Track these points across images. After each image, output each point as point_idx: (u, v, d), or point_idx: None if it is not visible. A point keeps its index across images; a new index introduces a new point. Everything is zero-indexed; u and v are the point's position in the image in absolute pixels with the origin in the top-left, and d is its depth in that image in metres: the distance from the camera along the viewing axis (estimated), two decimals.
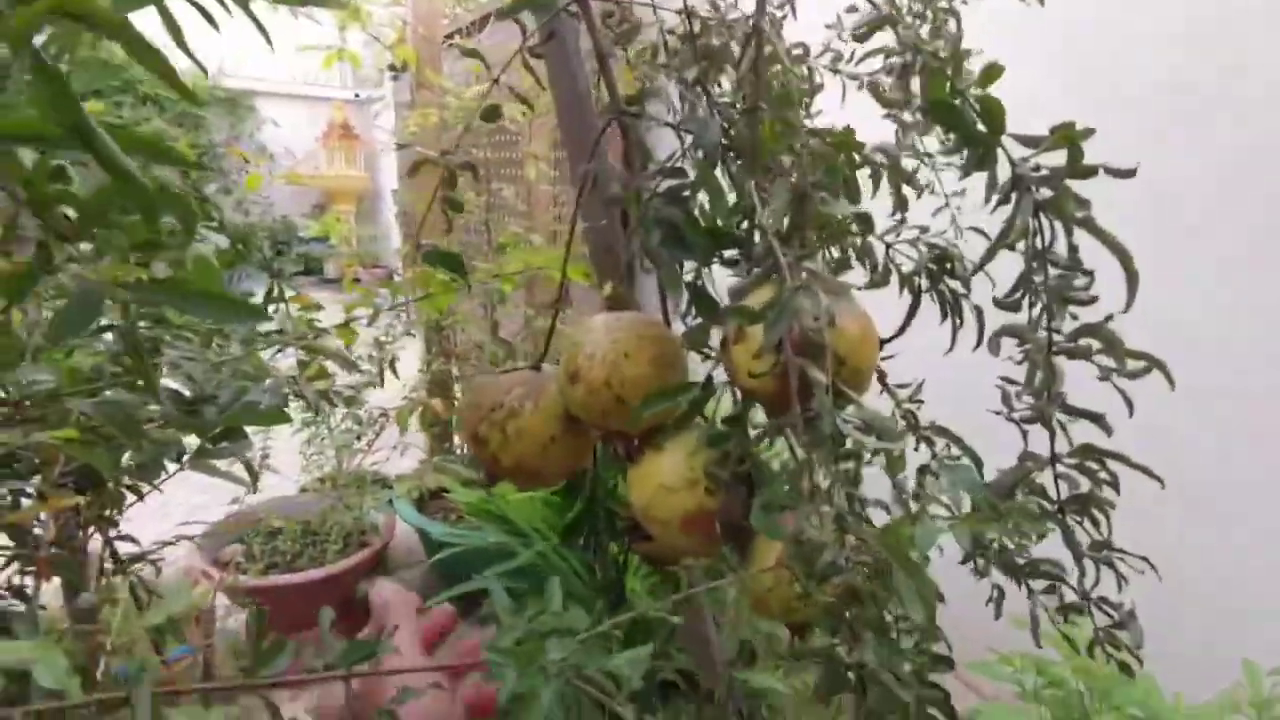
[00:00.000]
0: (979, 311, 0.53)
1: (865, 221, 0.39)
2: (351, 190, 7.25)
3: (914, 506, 0.36)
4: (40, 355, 0.43)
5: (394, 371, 1.07)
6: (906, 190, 0.45)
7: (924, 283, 0.50)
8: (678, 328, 0.45)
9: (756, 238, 0.42)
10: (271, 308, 0.87)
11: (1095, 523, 0.41)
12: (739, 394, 0.39)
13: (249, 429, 0.66)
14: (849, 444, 0.32)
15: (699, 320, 0.41)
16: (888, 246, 0.48)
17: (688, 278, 0.42)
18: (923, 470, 0.46)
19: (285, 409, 0.71)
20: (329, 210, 6.72)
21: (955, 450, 0.45)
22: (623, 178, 0.44)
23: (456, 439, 2.93)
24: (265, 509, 2.44)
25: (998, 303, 0.46)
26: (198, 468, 0.67)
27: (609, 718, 0.33)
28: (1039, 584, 0.46)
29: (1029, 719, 1.25)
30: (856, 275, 0.43)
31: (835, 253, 0.44)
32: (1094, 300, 0.36)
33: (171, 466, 0.66)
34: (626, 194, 0.42)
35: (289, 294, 0.88)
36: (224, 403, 0.64)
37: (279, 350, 0.82)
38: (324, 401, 0.83)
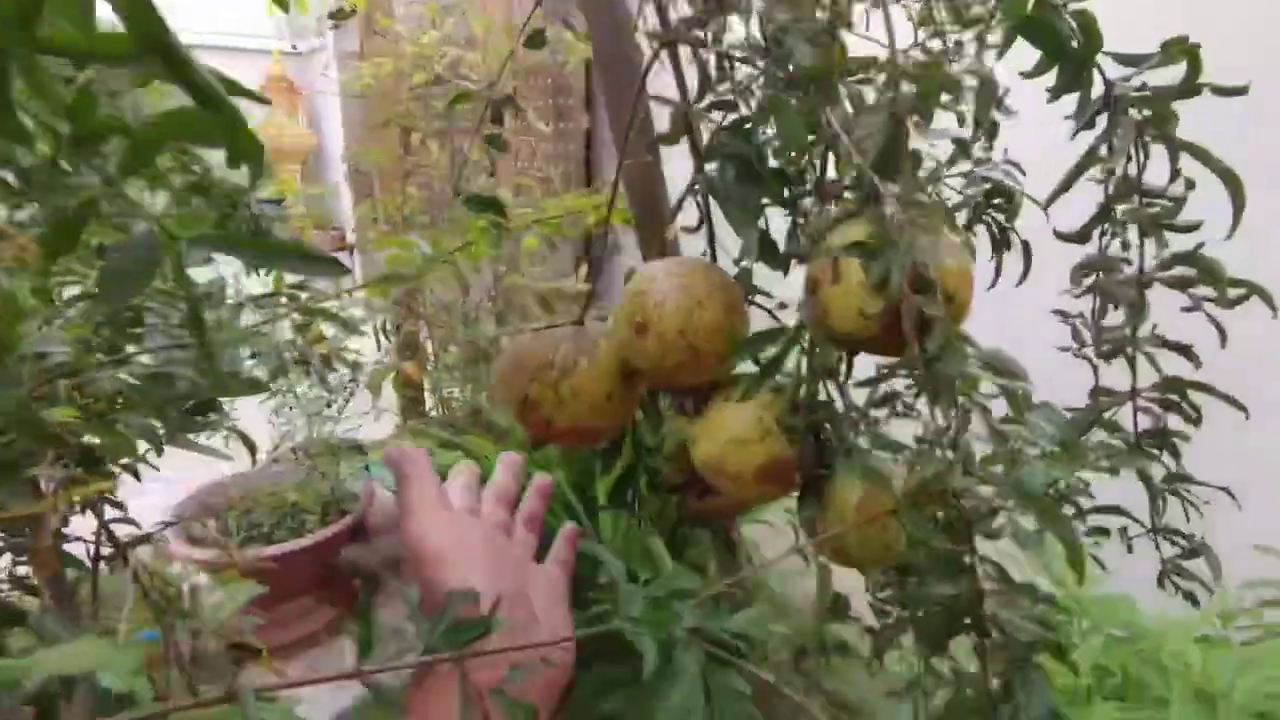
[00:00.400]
0: (1026, 246, 0.51)
1: (962, 148, 0.36)
2: (297, 149, 6.90)
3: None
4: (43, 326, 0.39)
5: (386, 336, 1.03)
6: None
7: (969, 215, 0.48)
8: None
9: (830, 174, 0.39)
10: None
11: (1176, 455, 0.40)
12: (812, 342, 0.37)
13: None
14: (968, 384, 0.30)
15: (761, 261, 0.38)
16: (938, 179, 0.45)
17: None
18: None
19: (267, 378, 0.68)
20: (274, 170, 6.41)
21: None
22: (679, 110, 0.40)
23: (429, 401, 2.88)
24: (238, 482, 2.37)
25: (1061, 236, 0.44)
26: (179, 444, 0.63)
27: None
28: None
29: None
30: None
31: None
32: (1196, 226, 0.35)
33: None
34: (674, 129, 0.39)
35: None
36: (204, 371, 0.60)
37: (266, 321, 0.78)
38: (330, 366, 0.79)
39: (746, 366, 0.43)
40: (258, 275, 0.84)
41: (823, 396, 0.42)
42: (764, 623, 0.32)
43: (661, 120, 0.45)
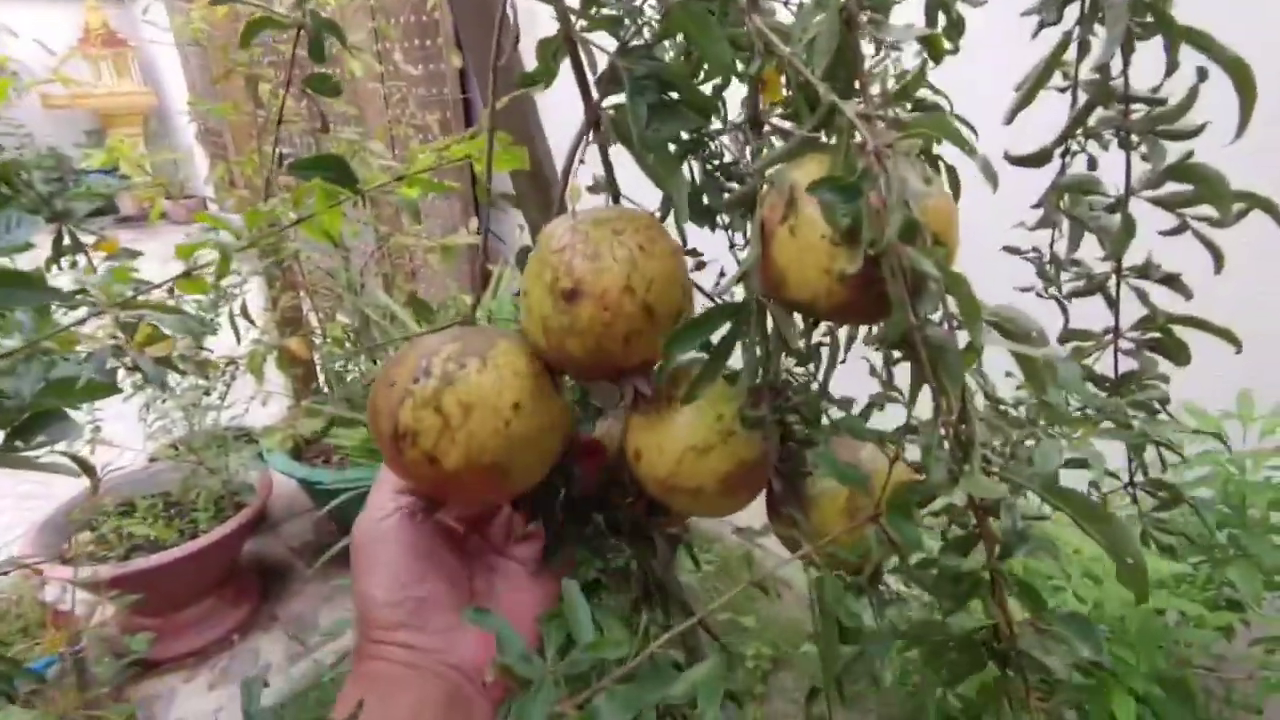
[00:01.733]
0: (952, 171, 0.46)
1: (934, 45, 0.29)
2: (133, 109, 6.16)
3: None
4: None
5: (248, 319, 0.89)
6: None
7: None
8: None
9: (763, 100, 0.31)
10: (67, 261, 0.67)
11: (1164, 400, 0.36)
12: (763, 314, 0.29)
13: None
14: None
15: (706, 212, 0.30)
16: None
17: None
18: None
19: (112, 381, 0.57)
20: (109, 135, 5.72)
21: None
22: (554, 37, 0.31)
23: (322, 378, 2.68)
24: (111, 489, 2.15)
25: (1016, 159, 0.38)
26: (10, 464, 0.52)
27: None
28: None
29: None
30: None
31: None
32: (1200, 130, 0.29)
33: None
34: (542, 62, 0.30)
35: (88, 240, 0.68)
36: (29, 383, 0.50)
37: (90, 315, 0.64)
38: (170, 370, 0.66)
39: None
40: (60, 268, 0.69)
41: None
42: (716, 684, 0.26)
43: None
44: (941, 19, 0.33)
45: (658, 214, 0.34)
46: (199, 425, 2.25)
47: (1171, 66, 0.29)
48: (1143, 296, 0.33)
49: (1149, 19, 0.29)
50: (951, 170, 0.46)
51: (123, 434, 2.09)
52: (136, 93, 6.15)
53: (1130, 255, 0.36)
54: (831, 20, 0.26)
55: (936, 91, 0.39)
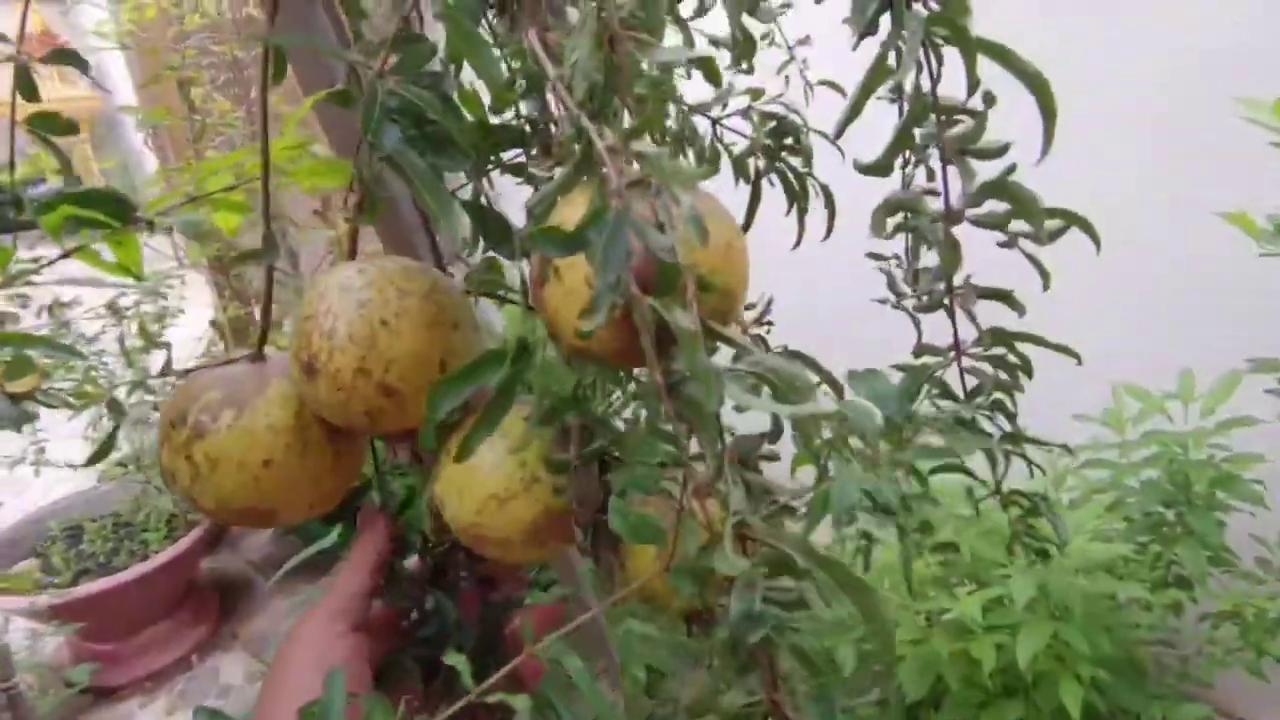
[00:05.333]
0: (826, 191, 0.44)
1: (710, 69, 0.27)
2: (80, 115, 6.00)
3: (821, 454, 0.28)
4: None
5: (166, 355, 0.85)
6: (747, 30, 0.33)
7: (760, 163, 0.40)
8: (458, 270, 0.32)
9: (556, 120, 0.29)
10: None
11: (1009, 414, 0.34)
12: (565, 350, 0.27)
13: None
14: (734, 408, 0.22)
15: (488, 255, 0.28)
16: (714, 122, 0.36)
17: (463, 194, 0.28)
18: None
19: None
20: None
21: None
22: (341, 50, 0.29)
23: None
24: (58, 511, 2.09)
25: (863, 168, 0.36)
26: None
27: None
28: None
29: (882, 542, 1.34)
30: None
31: (650, 135, 0.32)
32: (1005, 149, 0.28)
33: None
34: (348, 78, 0.27)
35: None
36: None
37: None
38: (31, 404, 0.63)
39: None
40: None
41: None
42: None
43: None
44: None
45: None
46: (147, 442, 2.20)
47: (971, 82, 0.27)
48: (971, 316, 0.32)
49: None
50: (826, 189, 0.44)
51: (69, 453, 2.04)
52: (81, 98, 5.98)
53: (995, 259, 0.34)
54: (591, 40, 0.24)
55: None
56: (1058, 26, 1.31)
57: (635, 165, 0.23)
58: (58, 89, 5.87)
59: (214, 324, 2.39)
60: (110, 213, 0.32)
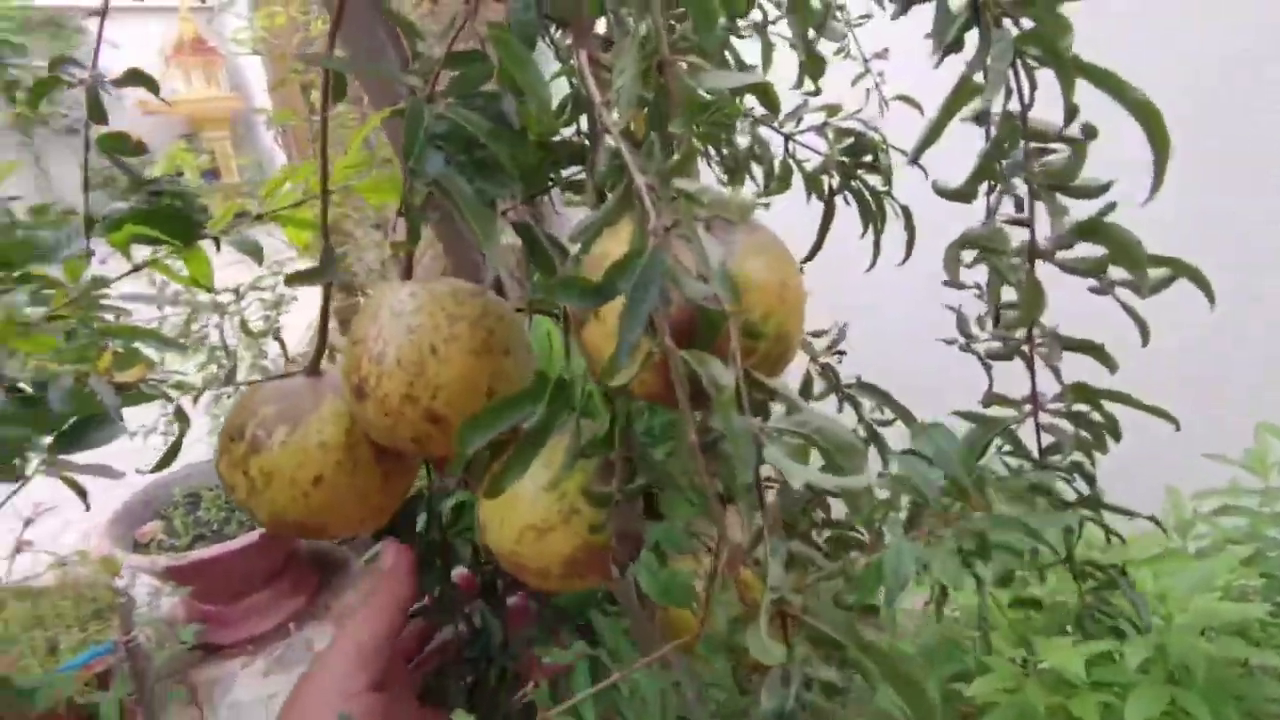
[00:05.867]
0: (907, 213, 0.41)
1: (766, 95, 0.25)
2: (221, 114, 6.52)
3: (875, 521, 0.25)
4: None
5: (280, 344, 0.90)
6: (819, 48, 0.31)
7: (834, 181, 0.37)
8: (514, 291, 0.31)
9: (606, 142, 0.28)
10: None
11: (1089, 478, 0.31)
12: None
13: None
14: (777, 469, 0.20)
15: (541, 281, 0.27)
16: (787, 138, 0.34)
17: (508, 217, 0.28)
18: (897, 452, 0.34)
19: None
20: (200, 139, 6.06)
21: (887, 413, 0.34)
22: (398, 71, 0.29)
23: None
24: (181, 479, 2.27)
25: (942, 192, 0.33)
26: (53, 470, 0.54)
27: None
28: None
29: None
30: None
31: (716, 152, 0.30)
32: (1106, 188, 0.24)
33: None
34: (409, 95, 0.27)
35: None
36: (67, 388, 0.50)
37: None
38: (135, 397, 0.67)
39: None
40: None
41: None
42: None
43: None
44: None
45: None
46: None
47: (1070, 109, 0.24)
48: (1053, 368, 0.28)
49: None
50: (905, 210, 0.41)
51: (195, 428, 2.20)
52: (224, 98, 6.50)
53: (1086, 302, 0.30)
54: (638, 66, 0.23)
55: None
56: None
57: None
58: (204, 89, 6.41)
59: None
60: (173, 231, 0.33)
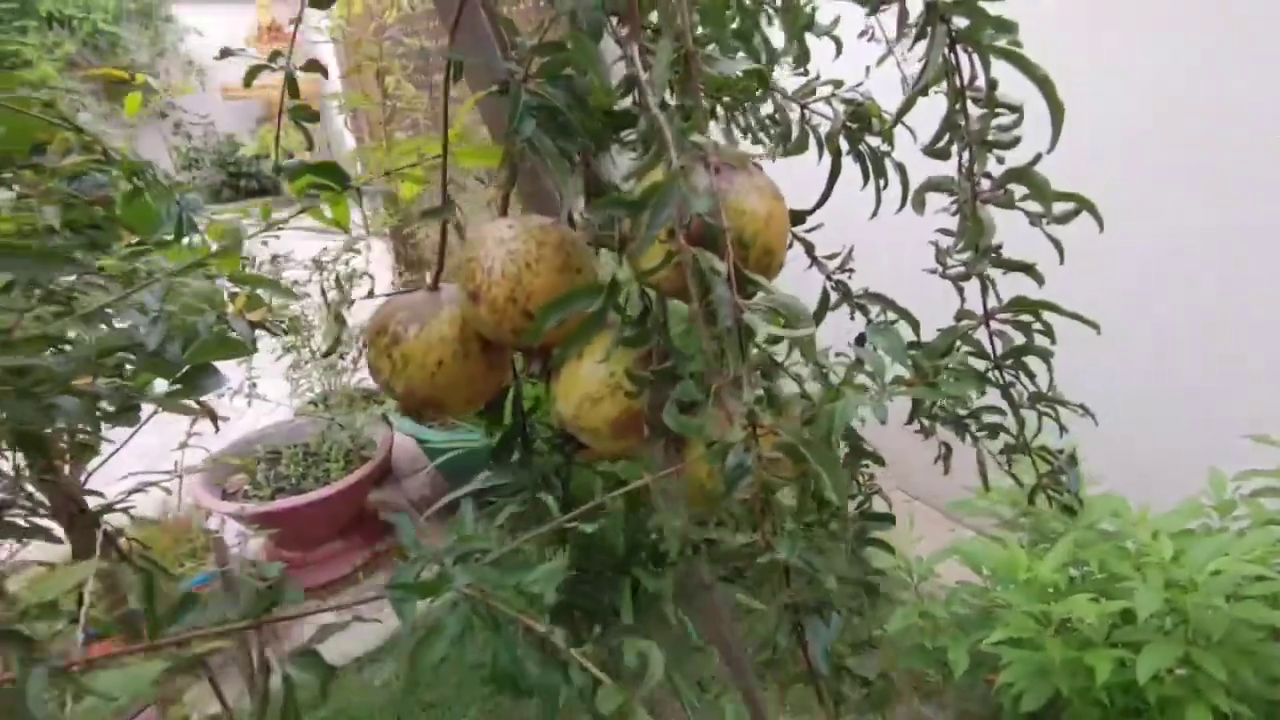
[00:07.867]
0: (901, 169, 0.49)
1: (759, 79, 0.34)
2: (298, 98, 6.79)
3: (834, 379, 0.35)
4: None
5: (347, 298, 1.03)
6: (816, 44, 0.40)
7: (844, 144, 0.46)
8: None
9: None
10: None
11: (1031, 374, 0.39)
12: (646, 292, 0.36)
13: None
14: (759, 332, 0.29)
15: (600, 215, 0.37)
16: (803, 107, 0.43)
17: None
18: (860, 340, 0.44)
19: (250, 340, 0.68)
20: (273, 123, 6.35)
21: (891, 315, 0.43)
22: (496, 59, 0.39)
23: None
24: (264, 437, 2.47)
25: (927, 151, 0.42)
26: (170, 408, 0.66)
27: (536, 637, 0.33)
28: (983, 432, 0.45)
29: (1004, 546, 1.31)
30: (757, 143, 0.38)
31: (744, 120, 0.40)
32: (1016, 142, 0.33)
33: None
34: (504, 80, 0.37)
35: (202, 222, 0.83)
36: (176, 344, 0.62)
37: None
38: (262, 331, 0.80)
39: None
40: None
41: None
42: (555, 578, 0.34)
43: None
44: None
45: None
46: (334, 386, 2.53)
47: (990, 83, 0.32)
48: (991, 284, 0.37)
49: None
50: (901, 166, 0.50)
51: (274, 392, 2.39)
52: (301, 83, 6.73)
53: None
54: (670, 54, 0.32)
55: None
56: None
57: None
58: (279, 76, 6.69)
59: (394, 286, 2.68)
60: (334, 180, 0.44)
